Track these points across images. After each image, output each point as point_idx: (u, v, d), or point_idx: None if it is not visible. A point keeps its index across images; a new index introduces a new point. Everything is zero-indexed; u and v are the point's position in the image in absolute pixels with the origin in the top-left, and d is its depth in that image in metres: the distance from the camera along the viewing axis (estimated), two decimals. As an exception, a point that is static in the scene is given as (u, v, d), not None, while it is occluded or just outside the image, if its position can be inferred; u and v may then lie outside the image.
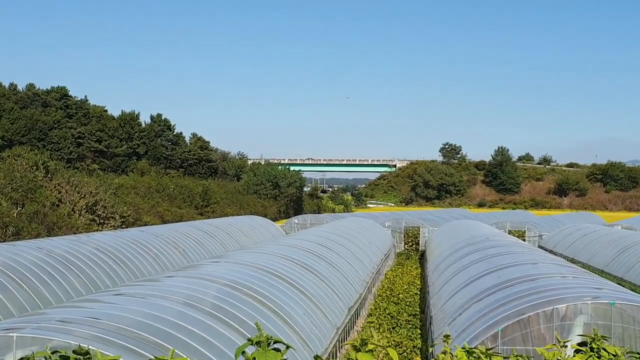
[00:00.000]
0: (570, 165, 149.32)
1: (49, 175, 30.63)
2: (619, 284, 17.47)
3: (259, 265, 12.66)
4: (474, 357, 3.34)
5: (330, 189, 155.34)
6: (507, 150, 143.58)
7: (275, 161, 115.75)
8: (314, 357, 4.50)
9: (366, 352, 3.03)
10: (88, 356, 3.13)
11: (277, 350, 2.96)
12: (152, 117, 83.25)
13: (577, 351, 3.76)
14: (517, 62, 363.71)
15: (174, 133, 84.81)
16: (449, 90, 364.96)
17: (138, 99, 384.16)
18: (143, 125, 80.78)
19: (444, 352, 3.43)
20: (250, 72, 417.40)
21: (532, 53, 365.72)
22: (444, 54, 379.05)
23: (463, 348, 3.41)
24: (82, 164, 64.30)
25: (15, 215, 25.02)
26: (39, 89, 72.25)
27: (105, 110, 78.07)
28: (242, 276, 11.26)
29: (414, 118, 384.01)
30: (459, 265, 16.30)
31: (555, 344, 3.82)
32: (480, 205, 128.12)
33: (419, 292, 20.83)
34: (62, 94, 72.89)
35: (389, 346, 4.50)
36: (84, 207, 30.34)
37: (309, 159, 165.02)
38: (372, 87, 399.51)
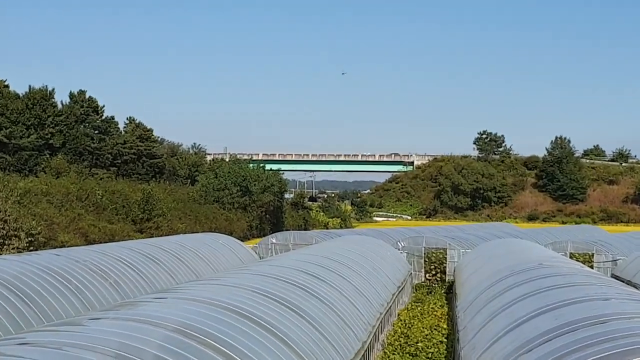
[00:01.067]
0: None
1: None
2: None
3: (221, 302, 12.62)
4: None
5: (322, 196, 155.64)
6: (569, 141, 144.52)
7: (245, 157, 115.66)
8: None
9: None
10: None
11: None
12: (72, 96, 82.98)
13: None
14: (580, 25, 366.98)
15: (103, 118, 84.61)
16: (486, 61, 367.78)
17: (52, 71, 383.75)
18: (59, 106, 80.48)
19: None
20: (210, 35, 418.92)
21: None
22: (474, 19, 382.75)
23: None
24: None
25: None
26: None
27: (6, 86, 77.62)
28: (197, 317, 11.22)
29: (438, 97, 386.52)
30: (502, 301, 16.34)
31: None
32: (531, 218, 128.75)
33: (445, 340, 20.86)
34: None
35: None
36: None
37: (291, 154, 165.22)
38: (378, 60, 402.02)
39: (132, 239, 40.37)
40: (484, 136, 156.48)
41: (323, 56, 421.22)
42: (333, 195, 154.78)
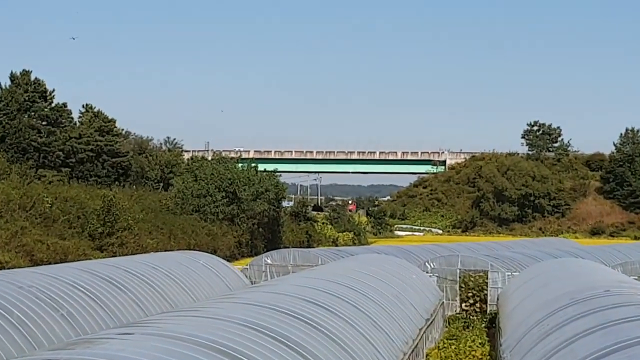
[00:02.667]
0: None
1: None
2: None
3: (202, 339, 12.60)
4: None
5: (331, 204, 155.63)
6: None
7: (233, 155, 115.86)
8: None
9: None
10: None
11: None
12: (13, 77, 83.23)
13: None
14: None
15: (53, 105, 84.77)
16: (535, 35, 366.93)
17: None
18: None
19: None
20: (187, 7, 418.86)
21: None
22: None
23: None
24: None
25: None
26: None
27: None
28: (172, 359, 11.20)
29: (476, 80, 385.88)
30: (559, 338, 16.31)
31: None
32: (596, 232, 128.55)
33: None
34: None
35: None
36: None
37: (291, 150, 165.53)
38: (401, 36, 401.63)
39: (90, 259, 40.32)
40: (534, 128, 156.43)
41: (333, 24, 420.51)
42: (342, 203, 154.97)
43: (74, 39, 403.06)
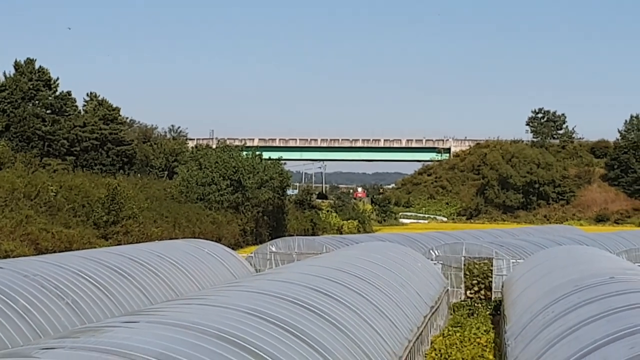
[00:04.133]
0: None
1: None
2: None
3: (207, 327, 12.62)
4: None
5: (336, 192, 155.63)
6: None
7: (237, 143, 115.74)
8: None
9: None
10: None
11: None
12: (17, 65, 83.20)
13: None
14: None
15: (57, 94, 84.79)
16: (540, 20, 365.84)
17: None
18: (1, 78, 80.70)
19: None
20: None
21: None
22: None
23: None
24: None
25: None
26: None
27: None
28: (177, 347, 11.22)
29: (480, 67, 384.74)
30: (564, 325, 16.32)
31: None
32: (600, 219, 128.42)
33: (491, 374, 20.83)
34: None
35: None
36: None
37: (295, 138, 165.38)
38: (405, 22, 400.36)
39: (95, 247, 40.45)
40: (539, 115, 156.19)
41: (338, 12, 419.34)
42: (347, 191, 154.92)
43: (69, 29, 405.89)
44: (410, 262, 30.66)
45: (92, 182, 60.63)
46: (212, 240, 40.77)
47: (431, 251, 38.74)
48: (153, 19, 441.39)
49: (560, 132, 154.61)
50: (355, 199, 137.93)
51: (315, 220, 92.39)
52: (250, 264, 35.85)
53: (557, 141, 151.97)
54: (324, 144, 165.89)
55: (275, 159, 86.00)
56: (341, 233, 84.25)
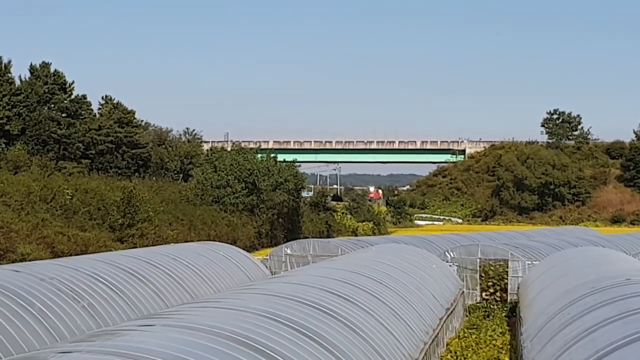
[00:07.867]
0: None
1: None
2: None
3: (223, 330, 12.63)
4: None
5: (350, 194, 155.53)
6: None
7: (252, 145, 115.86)
8: None
9: None
10: None
11: None
12: (32, 69, 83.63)
13: None
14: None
15: (73, 97, 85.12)
16: (556, 21, 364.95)
17: (8, 39, 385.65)
18: (17, 82, 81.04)
19: None
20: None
21: None
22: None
23: None
24: None
25: None
26: None
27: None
28: (193, 350, 11.24)
29: (495, 69, 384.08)
30: (580, 327, 16.26)
31: None
32: (616, 220, 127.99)
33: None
34: None
35: None
36: None
37: (310, 141, 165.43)
38: (420, 23, 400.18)
39: (111, 250, 40.52)
40: (554, 116, 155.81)
41: (349, 12, 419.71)
42: (362, 192, 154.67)
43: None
44: (425, 264, 30.62)
45: (108, 185, 60.77)
46: (227, 243, 40.80)
47: (446, 253, 38.69)
48: (169, 23, 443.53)
49: (576, 133, 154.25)
50: (370, 200, 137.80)
51: (330, 222, 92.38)
52: (266, 267, 35.84)
53: (573, 142, 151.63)
54: (339, 146, 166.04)
55: (290, 161, 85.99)
56: (356, 235, 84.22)
